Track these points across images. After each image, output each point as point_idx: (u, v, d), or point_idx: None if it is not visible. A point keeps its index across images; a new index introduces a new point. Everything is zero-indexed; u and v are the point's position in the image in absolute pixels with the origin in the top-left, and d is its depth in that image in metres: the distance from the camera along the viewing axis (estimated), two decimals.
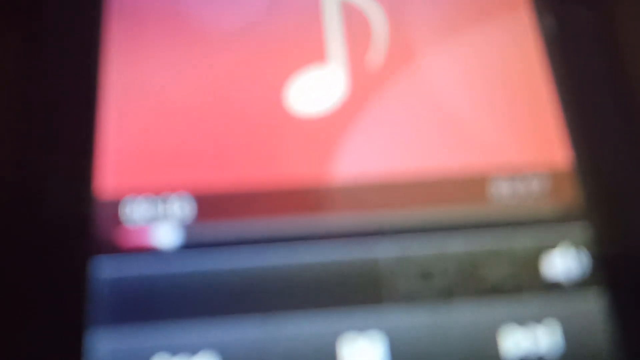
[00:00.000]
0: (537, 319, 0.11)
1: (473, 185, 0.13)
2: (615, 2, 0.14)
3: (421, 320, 0.11)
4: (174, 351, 0.11)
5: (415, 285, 0.12)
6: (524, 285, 0.12)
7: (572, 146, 0.13)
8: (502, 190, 0.13)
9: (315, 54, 0.14)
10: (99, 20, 0.14)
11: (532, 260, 0.12)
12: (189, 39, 0.14)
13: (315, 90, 0.13)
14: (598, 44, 0.14)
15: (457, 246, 0.12)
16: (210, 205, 0.12)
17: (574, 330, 0.11)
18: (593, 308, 0.12)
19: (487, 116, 0.13)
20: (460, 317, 0.11)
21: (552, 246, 0.12)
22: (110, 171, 0.12)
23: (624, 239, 0.12)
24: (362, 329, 0.11)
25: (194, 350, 0.11)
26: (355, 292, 0.12)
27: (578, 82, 0.14)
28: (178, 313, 0.11)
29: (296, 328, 0.11)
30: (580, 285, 0.12)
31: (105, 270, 0.12)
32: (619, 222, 0.12)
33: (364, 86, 0.13)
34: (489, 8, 0.14)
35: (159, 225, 0.12)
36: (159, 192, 0.12)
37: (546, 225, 0.12)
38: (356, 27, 0.14)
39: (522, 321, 0.11)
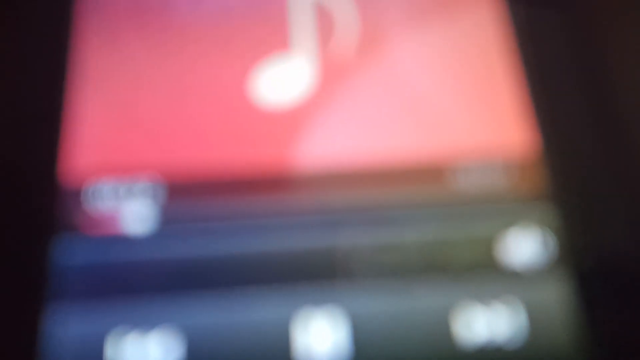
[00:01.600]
0: (501, 303, 0.12)
1: (437, 170, 0.13)
2: None
3: (382, 304, 0.12)
4: (132, 326, 0.11)
5: (374, 268, 0.12)
6: (486, 269, 0.12)
7: (538, 130, 0.13)
8: (468, 175, 0.13)
9: (280, 43, 0.14)
10: (69, 10, 0.14)
11: (496, 244, 0.12)
12: (156, 28, 0.14)
13: (281, 78, 0.13)
14: (565, 30, 0.14)
15: (419, 230, 0.12)
16: (175, 190, 0.12)
17: (538, 315, 0.12)
18: (558, 293, 0.12)
19: (451, 103, 0.13)
20: (422, 301, 0.12)
21: (517, 230, 0.12)
22: (77, 155, 0.12)
23: (590, 223, 0.12)
24: (319, 305, 0.11)
25: (151, 326, 0.11)
26: (314, 273, 0.12)
27: (545, 67, 0.14)
28: (135, 291, 0.11)
29: (256, 304, 0.11)
30: (545, 269, 0.12)
31: (66, 251, 0.12)
32: (585, 206, 0.13)
33: (328, 75, 0.14)
34: None
35: (123, 207, 0.12)
36: (124, 177, 0.12)
37: (511, 209, 0.12)
38: (322, 16, 0.14)
39: (486, 305, 0.12)
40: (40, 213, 0.12)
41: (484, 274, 0.12)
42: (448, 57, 0.14)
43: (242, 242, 0.12)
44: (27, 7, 0.13)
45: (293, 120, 0.13)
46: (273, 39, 0.14)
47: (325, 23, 0.14)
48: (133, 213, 0.12)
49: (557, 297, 0.12)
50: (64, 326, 0.11)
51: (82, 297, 0.11)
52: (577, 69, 0.14)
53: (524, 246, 0.12)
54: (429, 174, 0.13)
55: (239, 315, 0.11)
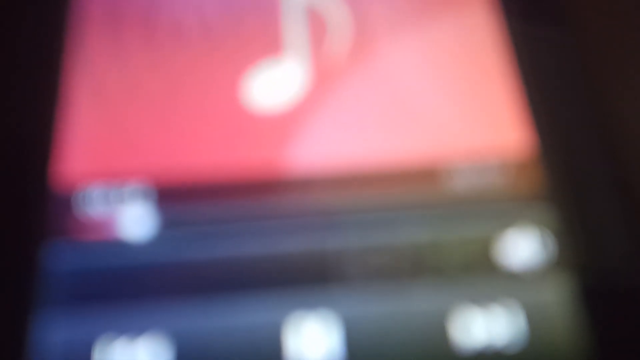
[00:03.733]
0: (499, 306, 0.11)
1: (432, 171, 0.12)
2: None
3: (376, 307, 0.11)
4: (120, 332, 0.11)
5: (368, 271, 0.12)
6: (483, 271, 0.12)
7: (535, 130, 0.13)
8: (463, 176, 0.12)
9: (273, 47, 0.14)
10: (61, 18, 0.14)
11: (493, 245, 0.12)
12: (148, 33, 0.14)
13: (273, 82, 0.13)
14: (561, 30, 0.14)
15: (413, 232, 0.12)
16: (166, 194, 0.12)
17: (538, 318, 0.11)
18: (557, 294, 0.11)
19: (445, 104, 0.13)
20: (417, 304, 0.11)
21: (515, 231, 0.12)
22: (68, 160, 0.12)
23: (588, 222, 0.12)
24: (312, 309, 0.11)
25: (140, 331, 0.11)
26: (306, 276, 0.11)
27: (540, 66, 0.14)
28: (124, 297, 0.11)
29: (246, 308, 0.11)
30: (544, 270, 0.12)
31: (56, 256, 0.11)
32: (583, 206, 0.12)
33: (320, 78, 0.14)
34: None
35: (114, 213, 0.12)
36: (115, 182, 0.12)
37: (507, 210, 0.12)
38: (315, 20, 0.14)
39: (483, 307, 0.11)
40: (30, 218, 0.12)
41: (481, 276, 0.12)
42: (442, 59, 0.14)
43: (232, 245, 0.12)
44: (19, 14, 0.13)
45: (286, 123, 0.13)
46: (265, 42, 0.14)
47: (317, 27, 0.14)
48: (124, 218, 0.12)
49: (556, 298, 0.11)
50: (52, 332, 0.11)
51: (71, 303, 0.11)
52: (573, 68, 0.14)
53: (522, 247, 0.12)
54: (424, 175, 0.13)
55: (229, 320, 0.11)
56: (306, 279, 0.11)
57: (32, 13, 0.14)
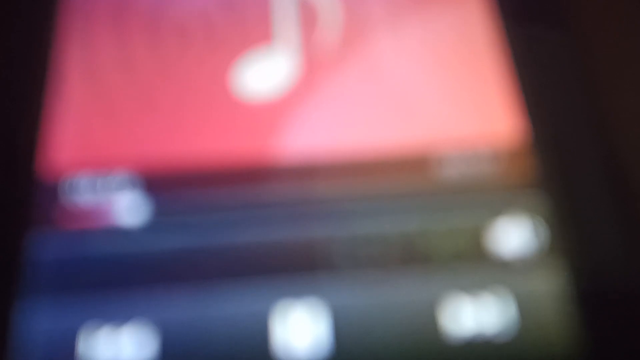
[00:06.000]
0: (489, 294, 0.11)
1: (422, 160, 0.12)
2: None
3: (364, 296, 0.11)
4: (104, 321, 0.11)
5: (356, 259, 0.11)
6: (474, 259, 0.11)
7: (526, 118, 0.13)
8: (454, 165, 0.12)
9: (263, 36, 0.14)
10: (52, 7, 0.14)
11: (484, 234, 0.12)
12: (136, 21, 0.14)
13: (263, 70, 0.13)
14: (555, 17, 0.14)
15: (402, 221, 0.12)
16: (153, 183, 0.12)
17: (529, 307, 0.11)
18: (549, 283, 0.11)
19: (436, 93, 0.13)
20: (406, 292, 0.11)
21: (506, 219, 0.12)
22: (54, 149, 0.12)
23: (580, 211, 0.12)
24: (299, 297, 0.11)
25: (124, 320, 0.11)
26: (294, 264, 0.11)
27: (533, 54, 0.13)
28: (108, 285, 0.11)
29: (233, 297, 0.11)
30: (536, 258, 0.11)
31: (41, 245, 0.11)
32: (574, 194, 0.12)
33: (311, 67, 0.13)
34: None
35: (100, 201, 0.12)
36: (102, 170, 0.12)
37: (499, 198, 0.12)
38: (305, 8, 0.14)
39: (473, 296, 0.11)
40: (16, 206, 0.12)
41: (472, 264, 0.11)
42: (433, 48, 0.14)
43: (219, 234, 0.12)
44: (8, 3, 0.13)
45: (275, 112, 0.13)
46: (255, 31, 0.14)
47: (308, 15, 0.14)
48: (111, 207, 0.12)
49: (548, 287, 0.11)
50: (36, 320, 0.11)
51: (56, 291, 0.11)
52: (566, 56, 0.13)
53: (514, 235, 0.12)
54: (415, 164, 0.12)
55: (215, 308, 0.11)
56: (294, 267, 0.11)
57: (20, 5, 0.13)
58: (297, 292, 0.11)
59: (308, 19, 0.14)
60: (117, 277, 0.11)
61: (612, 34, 0.14)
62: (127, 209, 0.12)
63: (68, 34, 0.13)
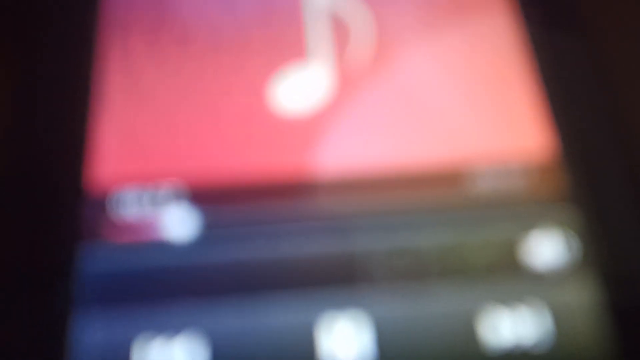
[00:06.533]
0: (525, 306, 0.12)
1: (455, 175, 0.13)
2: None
3: (404, 307, 0.12)
4: (157, 332, 0.11)
5: (395, 272, 0.12)
6: (509, 272, 0.12)
7: (556, 133, 0.13)
8: (486, 179, 0.13)
9: (297, 53, 0.14)
10: (93, 22, 0.14)
11: (517, 247, 0.12)
12: (177, 39, 0.14)
13: (298, 86, 0.14)
14: (580, 33, 0.14)
15: (437, 234, 0.12)
16: (198, 197, 0.12)
17: (564, 318, 0.11)
18: (583, 294, 0.12)
19: (467, 108, 0.14)
20: (444, 304, 0.12)
21: (538, 232, 0.12)
22: (101, 163, 0.13)
23: (611, 223, 0.12)
24: (343, 309, 0.11)
25: (176, 331, 0.11)
26: (336, 277, 0.12)
27: (561, 69, 0.14)
28: (160, 297, 0.11)
29: (279, 308, 0.11)
30: (569, 271, 0.12)
31: (92, 258, 0.12)
32: (605, 207, 0.12)
33: (344, 82, 0.14)
34: (468, 4, 0.15)
35: (147, 215, 0.12)
36: (148, 184, 0.12)
37: (531, 212, 0.12)
38: (338, 25, 0.14)
39: (510, 307, 0.12)
40: (65, 221, 0.12)
41: (507, 276, 0.12)
42: (463, 64, 0.14)
43: (264, 247, 0.12)
44: (49, 22, 0.14)
45: (311, 127, 0.13)
46: (290, 48, 0.14)
47: (340, 32, 0.14)
48: (157, 220, 0.12)
49: (582, 298, 0.12)
50: (90, 332, 0.11)
51: (108, 304, 0.11)
52: (593, 71, 0.14)
53: (546, 248, 0.12)
54: (448, 178, 0.13)
55: (263, 319, 0.11)
56: (337, 279, 0.12)
57: (62, 18, 0.14)
58: (341, 304, 0.12)
59: (340, 34, 0.14)
60: (167, 289, 0.11)
61: (638, 50, 0.14)
62: (173, 222, 0.12)
63: (108, 48, 0.14)
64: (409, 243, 0.12)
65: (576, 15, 0.14)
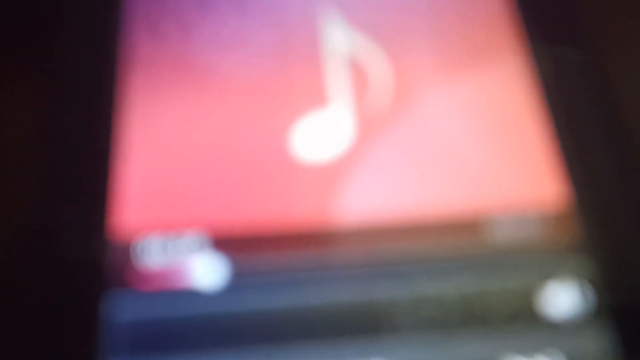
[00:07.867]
0: (543, 355, 0.12)
1: (473, 223, 0.13)
2: (606, 45, 0.15)
3: (426, 356, 0.12)
4: None
5: (416, 320, 0.12)
6: (527, 321, 0.12)
7: (570, 182, 0.14)
8: (503, 228, 0.13)
9: (318, 99, 0.14)
10: (115, 67, 0.14)
11: (534, 296, 0.12)
12: (197, 86, 0.14)
13: (320, 133, 0.14)
14: (592, 83, 0.15)
15: (458, 282, 0.12)
16: (221, 245, 0.12)
17: None
18: (599, 344, 0.12)
19: (485, 156, 0.14)
20: (465, 353, 0.12)
21: (555, 282, 0.13)
22: (125, 211, 0.13)
23: (627, 273, 0.13)
24: (367, 358, 0.12)
25: None
26: (358, 326, 0.12)
27: (574, 118, 0.14)
28: (186, 346, 0.11)
29: (306, 357, 0.12)
30: (585, 320, 0.12)
31: (117, 307, 0.12)
32: (620, 256, 0.13)
33: (365, 128, 0.14)
34: (484, 51, 0.15)
35: (171, 263, 0.12)
36: (171, 232, 0.12)
37: (547, 261, 0.13)
38: (357, 71, 0.15)
39: (529, 357, 0.12)
40: (90, 269, 0.12)
41: (525, 326, 0.12)
42: (480, 111, 0.14)
43: (288, 296, 0.12)
44: (70, 63, 0.14)
45: (333, 174, 0.13)
46: (310, 94, 0.14)
47: (359, 77, 0.15)
48: (181, 268, 0.12)
49: (598, 348, 0.12)
50: None
51: (134, 352, 0.11)
52: (606, 120, 0.14)
53: (563, 298, 0.12)
54: (466, 226, 0.13)
55: None
56: (360, 328, 0.12)
57: (82, 65, 0.14)
58: (365, 352, 0.12)
59: (360, 80, 0.15)
60: (195, 337, 0.12)
61: None
62: (200, 270, 0.12)
63: (131, 94, 0.14)
64: (431, 291, 0.12)
65: (590, 63, 0.15)
